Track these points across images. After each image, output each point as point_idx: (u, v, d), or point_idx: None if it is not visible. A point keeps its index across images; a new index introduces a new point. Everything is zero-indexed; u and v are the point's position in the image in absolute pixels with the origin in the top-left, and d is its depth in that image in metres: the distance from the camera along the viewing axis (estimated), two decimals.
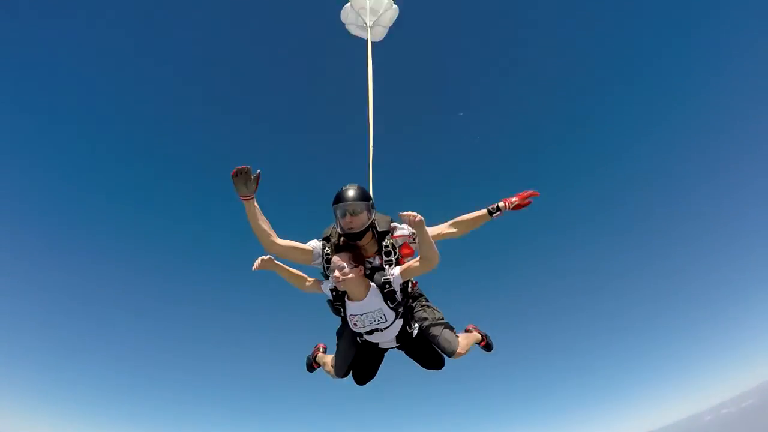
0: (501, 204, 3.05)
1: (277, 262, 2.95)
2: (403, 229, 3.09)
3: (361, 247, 3.00)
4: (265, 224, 2.84)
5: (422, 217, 2.54)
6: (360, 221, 2.90)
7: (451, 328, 3.34)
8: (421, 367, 3.39)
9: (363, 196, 2.94)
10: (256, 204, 2.76)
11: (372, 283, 2.95)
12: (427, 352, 3.32)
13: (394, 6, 6.21)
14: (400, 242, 3.08)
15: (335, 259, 2.87)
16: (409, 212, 2.52)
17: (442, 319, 3.34)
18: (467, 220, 3.12)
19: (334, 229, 3.05)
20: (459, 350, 3.26)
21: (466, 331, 3.70)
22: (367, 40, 5.58)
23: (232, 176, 2.63)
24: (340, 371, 3.36)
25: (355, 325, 3.03)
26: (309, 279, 3.13)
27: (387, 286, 2.91)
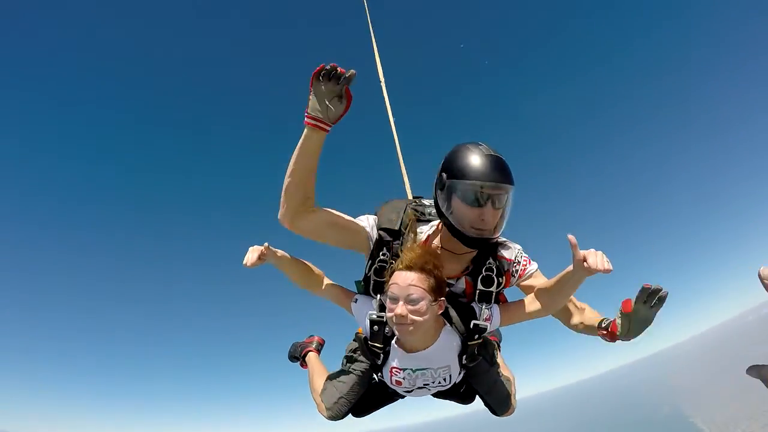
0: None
1: (279, 253, 1.88)
2: (510, 249, 1.97)
3: (438, 257, 1.80)
4: (313, 179, 1.74)
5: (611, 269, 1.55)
6: (499, 220, 1.75)
7: (509, 389, 2.34)
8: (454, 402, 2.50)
9: (512, 176, 1.75)
10: (322, 140, 1.66)
11: (447, 325, 1.83)
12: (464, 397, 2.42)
13: None
14: (505, 267, 1.95)
15: (403, 280, 1.64)
16: (603, 261, 1.55)
17: (501, 374, 2.35)
18: (585, 314, 2.04)
19: (409, 217, 1.90)
20: (510, 413, 2.35)
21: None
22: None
23: (314, 76, 1.57)
24: (338, 414, 2.25)
25: (398, 383, 1.95)
26: (327, 279, 2.07)
27: (476, 336, 1.82)
